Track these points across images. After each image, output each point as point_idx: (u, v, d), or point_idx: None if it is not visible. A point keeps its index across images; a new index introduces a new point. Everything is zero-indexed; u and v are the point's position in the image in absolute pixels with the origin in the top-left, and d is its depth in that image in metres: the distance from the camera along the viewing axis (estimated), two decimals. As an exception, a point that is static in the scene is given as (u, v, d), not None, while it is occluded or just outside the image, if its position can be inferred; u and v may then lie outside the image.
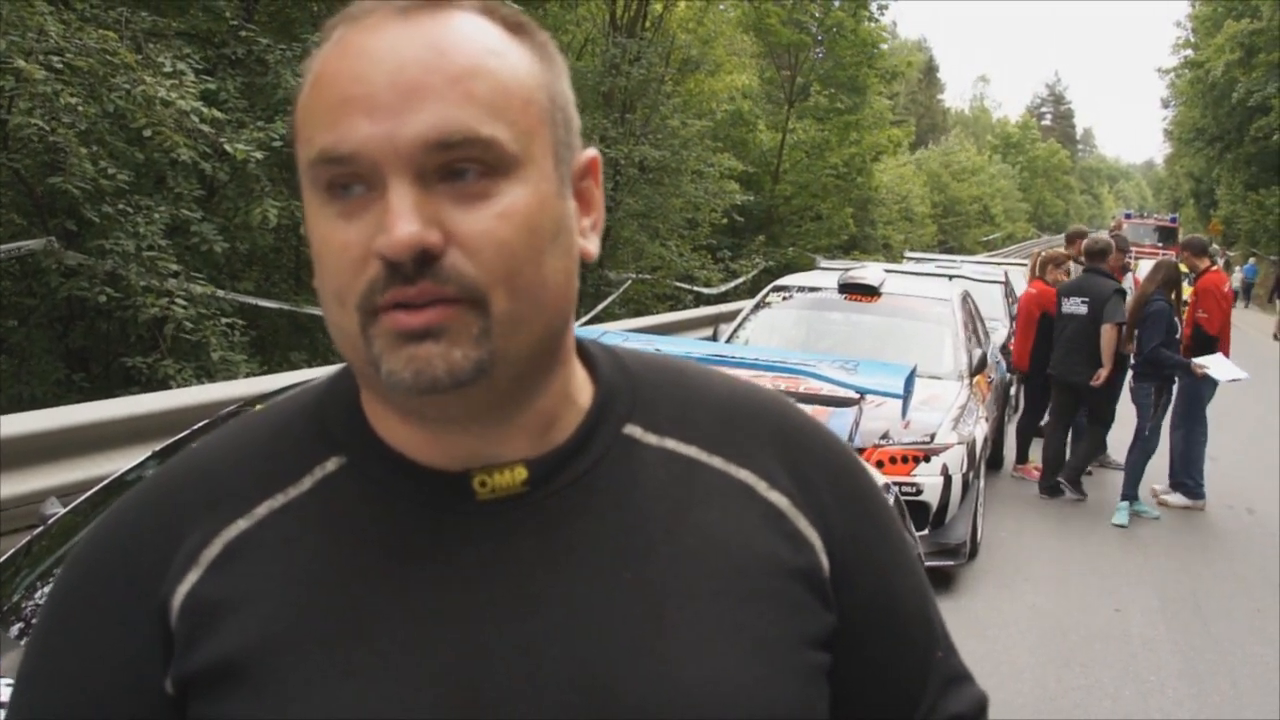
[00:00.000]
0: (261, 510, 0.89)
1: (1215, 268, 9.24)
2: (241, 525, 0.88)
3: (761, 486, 0.94)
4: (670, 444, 0.94)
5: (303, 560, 0.87)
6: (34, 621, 2.63)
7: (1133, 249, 10.02)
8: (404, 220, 0.77)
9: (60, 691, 0.90)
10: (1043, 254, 9.96)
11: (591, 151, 0.92)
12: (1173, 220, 41.03)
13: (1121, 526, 8.06)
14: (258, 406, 3.28)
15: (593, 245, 0.91)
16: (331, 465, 0.91)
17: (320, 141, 0.80)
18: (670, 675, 0.84)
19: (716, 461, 0.94)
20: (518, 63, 0.83)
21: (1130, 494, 8.31)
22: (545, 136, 0.84)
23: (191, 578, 0.87)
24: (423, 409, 0.84)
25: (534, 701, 0.82)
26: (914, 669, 1.03)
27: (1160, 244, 32.97)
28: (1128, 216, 39.61)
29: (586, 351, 0.98)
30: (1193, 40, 43.96)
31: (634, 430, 0.94)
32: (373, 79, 0.79)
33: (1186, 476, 8.74)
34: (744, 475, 0.94)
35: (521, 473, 0.88)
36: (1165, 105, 51.83)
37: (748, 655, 0.87)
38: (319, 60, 0.84)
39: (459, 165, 0.79)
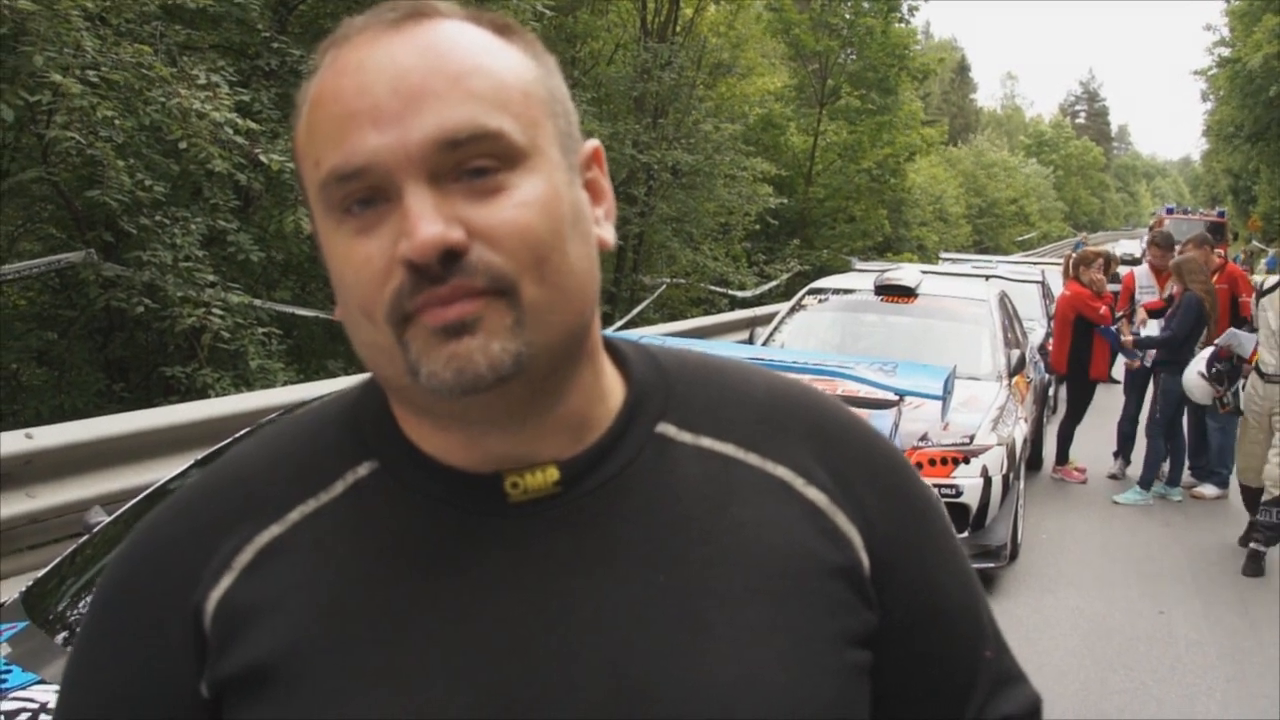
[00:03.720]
0: (294, 515, 0.89)
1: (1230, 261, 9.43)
2: (275, 530, 0.89)
3: (799, 483, 0.93)
4: (705, 442, 0.93)
5: (335, 565, 0.87)
6: (81, 621, 2.66)
7: (1177, 248, 9.84)
8: (425, 222, 0.77)
9: (97, 696, 0.91)
10: (1075, 255, 9.85)
11: (594, 142, 0.92)
12: (1220, 215, 37.11)
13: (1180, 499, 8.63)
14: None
15: (608, 233, 0.91)
16: (363, 470, 0.91)
17: (329, 161, 0.81)
18: (706, 677, 0.83)
19: (753, 458, 0.93)
20: (512, 60, 0.85)
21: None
22: (549, 128, 0.85)
23: (225, 583, 0.87)
24: (465, 410, 0.84)
25: (569, 705, 0.82)
26: (961, 667, 1.01)
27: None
28: (1169, 211, 35.21)
29: (617, 350, 0.97)
30: (1228, 38, 43.36)
31: (668, 428, 0.93)
32: (374, 89, 0.80)
33: (1221, 466, 8.87)
34: (781, 472, 0.93)
35: (553, 473, 0.88)
36: (1204, 99, 51.30)
37: (785, 655, 0.86)
38: (315, 84, 0.84)
39: (471, 163, 0.79)
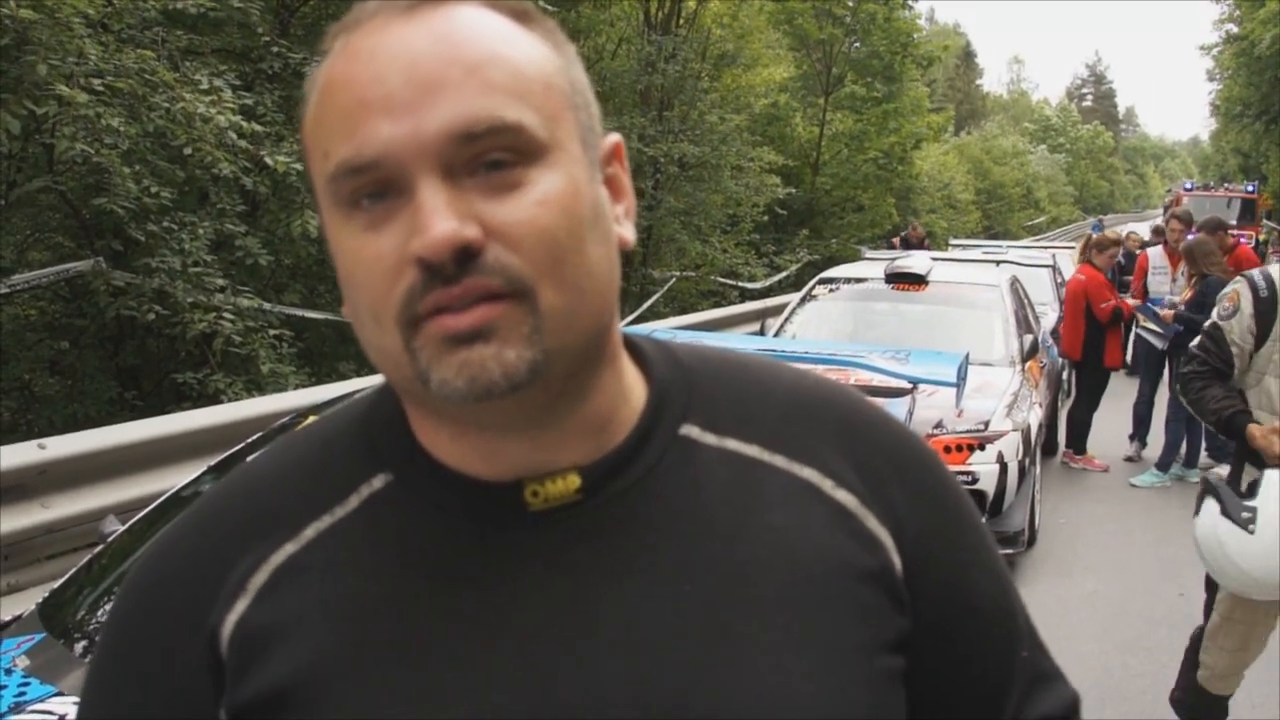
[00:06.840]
0: (309, 533, 0.87)
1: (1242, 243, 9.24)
2: (289, 549, 0.86)
3: (827, 485, 0.89)
4: (730, 444, 0.90)
5: (352, 583, 0.84)
6: (95, 643, 2.65)
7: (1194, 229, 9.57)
8: (439, 218, 0.73)
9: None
10: (1092, 238, 9.74)
11: (615, 137, 0.89)
12: (1251, 190, 30.13)
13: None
14: (310, 418, 3.29)
15: (629, 232, 0.87)
16: (378, 483, 0.88)
17: (339, 153, 0.77)
18: (737, 688, 0.81)
19: (779, 460, 0.90)
20: (532, 49, 0.81)
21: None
22: (570, 121, 0.81)
23: (240, 606, 0.85)
24: (478, 416, 0.81)
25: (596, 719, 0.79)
26: (997, 668, 0.98)
27: (1236, 221, 21.86)
28: (1188, 189, 30.36)
29: (638, 348, 0.94)
30: (1234, 14, 42.94)
31: (691, 430, 0.90)
32: (387, 78, 0.76)
33: None
34: (808, 474, 0.90)
35: (574, 480, 0.85)
36: (1211, 79, 50.85)
37: (818, 665, 0.83)
38: (324, 71, 0.80)
39: (488, 156, 0.76)
